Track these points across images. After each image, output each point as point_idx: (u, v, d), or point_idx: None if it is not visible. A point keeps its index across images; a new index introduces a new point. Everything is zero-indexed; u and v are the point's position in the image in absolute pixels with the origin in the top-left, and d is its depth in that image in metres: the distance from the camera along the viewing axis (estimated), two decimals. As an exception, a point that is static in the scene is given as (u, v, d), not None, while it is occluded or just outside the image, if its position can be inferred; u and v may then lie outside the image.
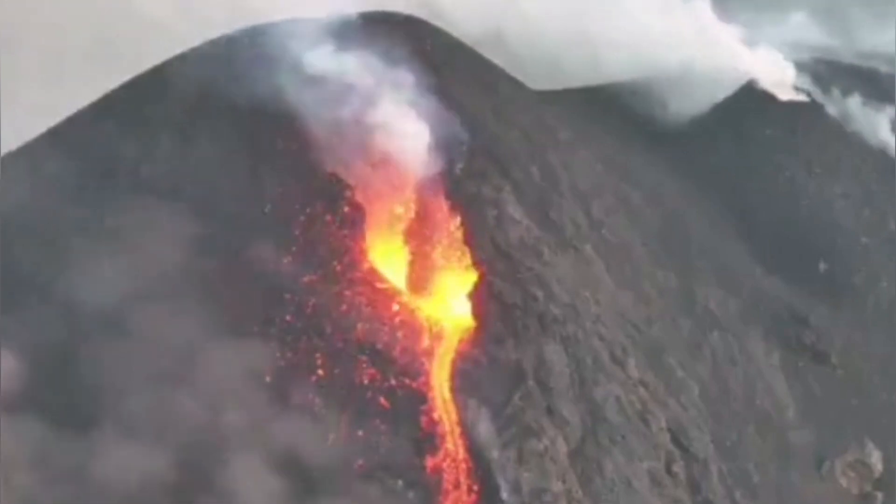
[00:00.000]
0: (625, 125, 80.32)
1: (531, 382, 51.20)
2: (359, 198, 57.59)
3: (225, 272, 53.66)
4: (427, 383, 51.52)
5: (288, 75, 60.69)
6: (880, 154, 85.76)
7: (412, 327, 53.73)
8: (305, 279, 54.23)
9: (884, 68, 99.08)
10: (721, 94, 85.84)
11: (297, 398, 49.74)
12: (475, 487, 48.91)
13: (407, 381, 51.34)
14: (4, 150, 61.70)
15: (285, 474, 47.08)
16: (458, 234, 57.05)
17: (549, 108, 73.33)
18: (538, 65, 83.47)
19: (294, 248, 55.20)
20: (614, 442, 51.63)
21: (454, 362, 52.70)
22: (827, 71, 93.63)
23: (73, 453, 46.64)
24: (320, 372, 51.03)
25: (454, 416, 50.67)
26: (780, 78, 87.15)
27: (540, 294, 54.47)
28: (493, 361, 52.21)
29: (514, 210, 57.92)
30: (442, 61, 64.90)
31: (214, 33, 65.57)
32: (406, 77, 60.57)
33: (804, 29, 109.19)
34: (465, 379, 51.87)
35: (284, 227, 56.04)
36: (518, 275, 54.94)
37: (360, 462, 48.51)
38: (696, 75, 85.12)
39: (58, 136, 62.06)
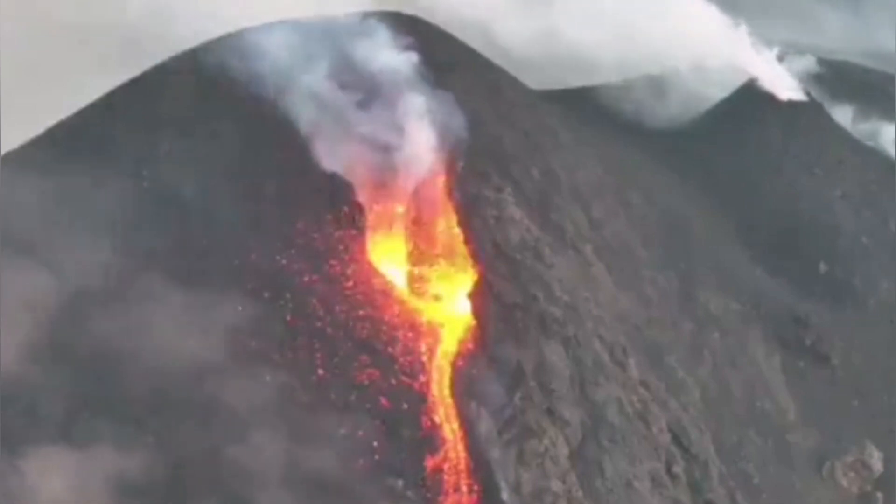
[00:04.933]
0: (625, 126, 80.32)
1: (531, 383, 51.12)
2: (359, 197, 57.67)
3: (226, 272, 53.62)
4: (427, 383, 51.49)
5: (288, 76, 60.72)
6: (881, 155, 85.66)
7: (412, 327, 53.71)
8: (305, 279, 54.20)
9: (884, 69, 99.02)
10: (720, 94, 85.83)
11: (297, 397, 49.77)
12: (475, 487, 48.84)
13: (407, 381, 51.30)
14: (5, 151, 61.66)
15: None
16: (459, 235, 57.06)
17: (550, 109, 73.28)
18: (539, 65, 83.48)
19: (294, 248, 55.20)
20: (615, 443, 51.56)
21: (455, 362, 52.69)
22: (827, 71, 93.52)
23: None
24: (320, 372, 50.99)
25: (455, 417, 50.62)
26: (781, 77, 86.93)
27: (540, 295, 54.39)
28: (493, 362, 52.16)
29: (515, 211, 57.85)
30: (443, 61, 64.83)
31: (214, 34, 65.59)
32: (407, 77, 60.60)
33: (805, 28, 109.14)
34: (465, 379, 51.84)
35: (285, 226, 56.01)
36: (518, 275, 54.86)
37: (361, 462, 48.45)
38: (697, 75, 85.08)
39: (58, 136, 62.01)
